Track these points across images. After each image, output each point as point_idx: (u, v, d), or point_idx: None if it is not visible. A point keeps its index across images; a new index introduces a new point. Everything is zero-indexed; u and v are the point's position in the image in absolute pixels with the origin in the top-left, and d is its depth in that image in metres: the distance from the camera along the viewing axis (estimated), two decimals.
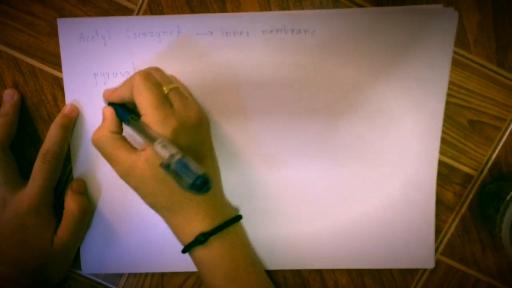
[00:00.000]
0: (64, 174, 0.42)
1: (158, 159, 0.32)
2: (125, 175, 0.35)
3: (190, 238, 0.36)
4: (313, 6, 0.41)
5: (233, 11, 0.41)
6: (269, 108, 0.41)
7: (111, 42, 0.40)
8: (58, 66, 0.41)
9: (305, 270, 0.43)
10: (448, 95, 0.41)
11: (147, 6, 0.41)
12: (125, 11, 0.41)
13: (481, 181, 0.42)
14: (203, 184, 0.28)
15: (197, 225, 0.36)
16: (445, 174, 0.42)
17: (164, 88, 0.35)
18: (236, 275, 0.36)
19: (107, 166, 0.41)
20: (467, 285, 0.43)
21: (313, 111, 0.41)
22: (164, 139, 0.32)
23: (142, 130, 0.33)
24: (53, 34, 0.41)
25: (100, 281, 0.44)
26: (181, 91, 0.37)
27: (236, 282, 0.36)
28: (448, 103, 0.41)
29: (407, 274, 0.43)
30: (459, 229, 0.43)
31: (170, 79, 0.38)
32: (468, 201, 0.42)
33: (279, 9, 0.41)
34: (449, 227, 0.43)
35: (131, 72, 0.40)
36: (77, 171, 0.42)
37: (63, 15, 0.41)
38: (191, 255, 0.37)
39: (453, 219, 0.43)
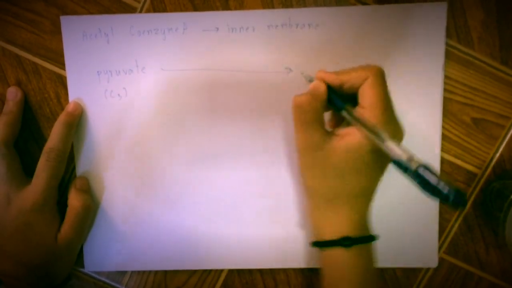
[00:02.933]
0: (68, 172, 0.42)
1: (357, 151, 0.33)
2: (306, 150, 0.34)
3: (333, 236, 0.35)
4: (316, 4, 0.40)
5: (236, 8, 0.41)
6: (275, 103, 0.41)
7: (114, 40, 0.40)
8: (61, 64, 0.41)
9: (308, 269, 0.43)
10: (452, 93, 0.41)
11: (150, 4, 0.41)
12: (128, 9, 0.41)
13: (485, 179, 0.42)
14: (460, 199, 0.28)
15: (347, 226, 0.35)
16: (448, 172, 0.42)
17: None
18: None
19: (110, 163, 0.41)
20: (470, 283, 0.43)
21: None
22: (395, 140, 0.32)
23: (357, 120, 0.33)
24: (56, 32, 0.41)
25: (103, 279, 0.44)
26: None
27: None
28: (451, 101, 0.41)
29: (410, 272, 0.43)
30: (463, 228, 0.43)
31: None
32: (472, 199, 0.42)
33: (282, 7, 0.40)
34: (453, 226, 0.43)
35: (134, 70, 0.41)
36: (80, 169, 0.42)
37: (65, 12, 0.41)
38: (322, 252, 0.36)
39: (457, 218, 0.43)
